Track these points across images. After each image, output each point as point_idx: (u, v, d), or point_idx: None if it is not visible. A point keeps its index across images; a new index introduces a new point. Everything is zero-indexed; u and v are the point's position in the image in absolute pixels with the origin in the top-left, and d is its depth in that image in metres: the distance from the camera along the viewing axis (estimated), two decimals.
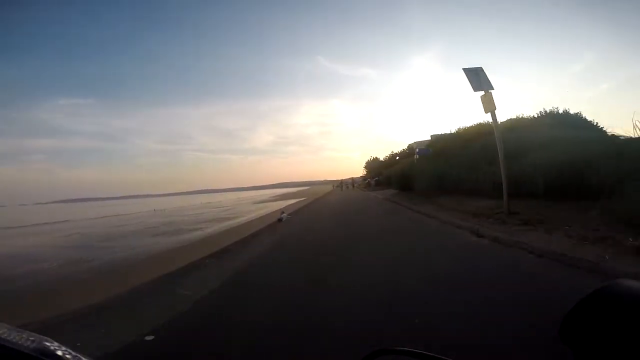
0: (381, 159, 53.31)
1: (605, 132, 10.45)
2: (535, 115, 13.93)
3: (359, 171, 57.47)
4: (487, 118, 10.38)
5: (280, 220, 13.32)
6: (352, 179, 58.04)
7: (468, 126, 19.10)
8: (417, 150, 20.33)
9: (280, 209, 19.25)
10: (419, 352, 0.58)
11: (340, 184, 51.88)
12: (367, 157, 59.51)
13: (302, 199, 35.12)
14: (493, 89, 7.35)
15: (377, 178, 39.41)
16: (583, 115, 12.04)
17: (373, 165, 51.25)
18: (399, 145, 55.24)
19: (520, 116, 15.09)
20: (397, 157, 42.78)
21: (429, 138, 50.47)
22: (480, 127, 16.37)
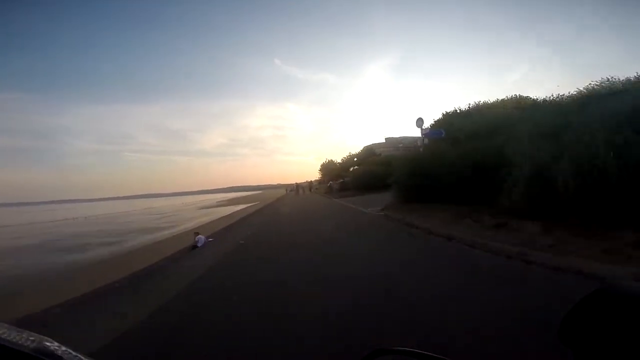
0: (338, 161, 50.65)
1: None
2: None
3: (314, 175, 54.53)
4: None
5: (195, 247, 8.79)
6: (310, 182, 50.32)
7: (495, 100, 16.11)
8: (423, 132, 12.51)
9: (209, 221, 15.86)
10: (419, 352, 0.58)
11: (296, 188, 42.07)
12: (319, 164, 56.82)
13: (250, 204, 31.84)
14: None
15: (342, 180, 32.75)
16: None
17: (329, 168, 49.30)
18: (353, 149, 53.82)
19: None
20: (355, 159, 41.25)
21: (384, 141, 50.75)
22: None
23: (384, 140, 45.43)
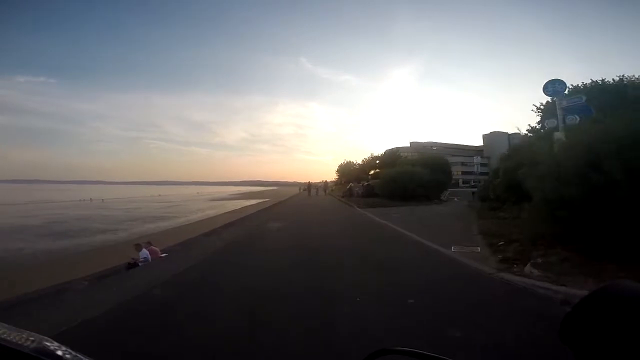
0: (357, 163, 46.75)
1: None
2: None
3: (330, 175, 52.00)
4: None
5: (132, 265, 6.40)
6: (325, 182, 43.12)
7: None
8: (563, 105, 7.78)
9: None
10: (420, 352, 0.58)
11: (308, 187, 35.42)
12: (337, 164, 54.08)
13: (263, 200, 30.24)
14: None
15: (367, 182, 25.56)
16: None
17: (347, 170, 46.92)
18: (372, 153, 51.46)
19: None
20: (377, 162, 38.21)
21: (409, 145, 48.31)
22: None
23: (408, 145, 43.10)
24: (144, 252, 6.75)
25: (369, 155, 42.42)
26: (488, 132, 48.88)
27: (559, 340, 0.45)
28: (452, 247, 5.82)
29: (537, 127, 13.97)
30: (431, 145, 44.37)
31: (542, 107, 13.64)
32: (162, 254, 7.08)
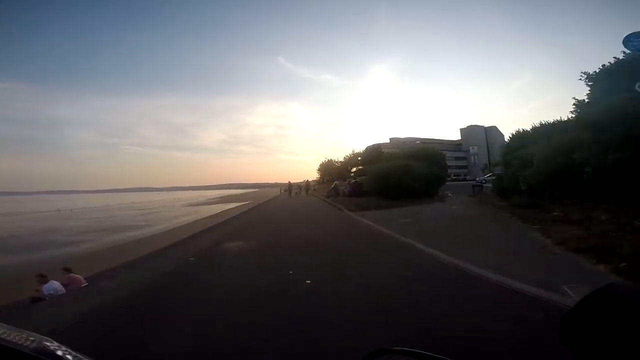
0: (339, 161, 46.26)
1: None
2: None
3: (312, 175, 51.22)
4: None
5: (37, 300, 5.13)
6: (307, 181, 40.31)
7: None
8: None
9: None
10: (419, 352, 0.57)
11: (289, 188, 33.67)
12: (318, 164, 53.24)
13: (242, 203, 29.21)
14: None
15: (354, 180, 23.41)
16: None
17: (328, 168, 46.36)
18: (354, 150, 51.47)
19: None
20: (359, 158, 37.78)
21: (388, 141, 48.26)
22: None
23: (388, 141, 43.04)
24: (51, 286, 5.32)
25: (351, 152, 42.00)
26: (465, 126, 49.91)
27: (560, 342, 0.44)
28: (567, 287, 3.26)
29: (586, 100, 10.58)
30: (410, 140, 44.58)
31: (594, 75, 10.20)
32: (84, 283, 5.71)
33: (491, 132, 46.33)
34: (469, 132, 48.03)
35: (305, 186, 36.39)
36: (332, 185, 24.63)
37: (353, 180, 22.56)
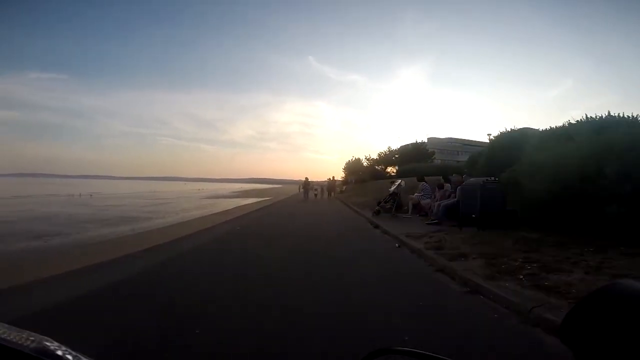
0: (370, 157, 40.47)
1: None
2: None
3: (336, 174, 47.80)
4: None
5: None
6: (332, 179, 29.12)
7: None
8: None
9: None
10: (419, 352, 0.57)
11: (304, 186, 24.95)
12: (344, 162, 49.24)
13: (261, 199, 26.67)
14: None
15: (490, 179, 7.31)
16: None
17: (355, 167, 42.87)
18: (371, 153, 48.56)
19: None
20: (396, 156, 33.11)
21: (426, 140, 43.93)
22: None
23: (425, 140, 39.02)
24: None
25: (387, 148, 37.08)
26: (516, 128, 44.18)
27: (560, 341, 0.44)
28: None
29: None
30: (451, 141, 40.30)
31: None
32: None
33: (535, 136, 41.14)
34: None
35: (328, 186, 27.34)
36: (392, 189, 11.67)
37: (486, 181, 7.31)
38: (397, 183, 12.13)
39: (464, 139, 45.78)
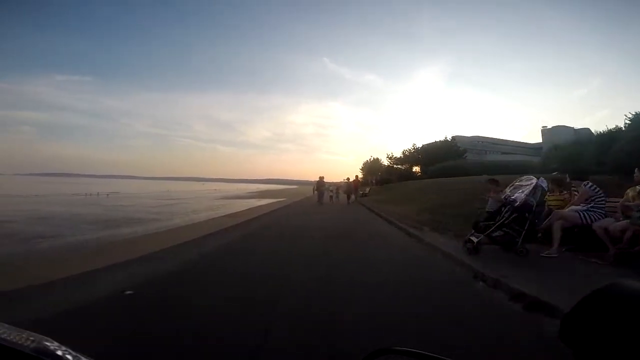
0: (392, 156, 36.78)
1: None
2: None
3: (351, 175, 46.38)
4: None
5: None
6: (356, 179, 23.29)
7: None
8: None
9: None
10: (419, 352, 0.56)
11: (318, 187, 20.61)
12: (361, 163, 47.30)
13: (275, 200, 25.33)
14: None
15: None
16: None
17: (374, 168, 40.95)
18: (396, 152, 46.95)
19: None
20: (419, 156, 30.43)
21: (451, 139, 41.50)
22: None
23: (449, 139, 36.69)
24: None
25: (411, 146, 34.04)
26: (549, 127, 41.35)
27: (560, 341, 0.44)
28: None
29: None
30: (478, 140, 37.83)
31: None
32: None
33: (583, 135, 37.98)
34: (554, 133, 39.53)
35: (347, 187, 21.68)
36: (517, 196, 5.30)
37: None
38: (530, 183, 5.33)
39: (491, 137, 43.32)
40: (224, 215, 15.40)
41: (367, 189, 27.07)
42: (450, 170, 22.08)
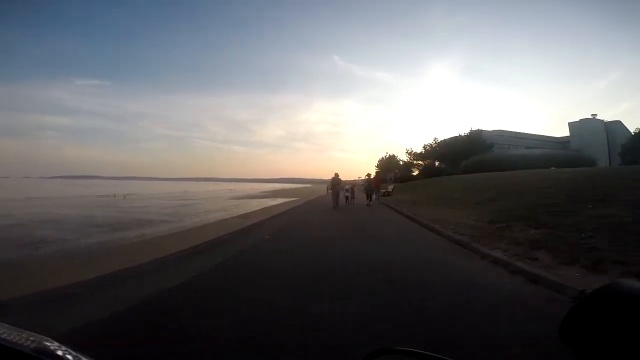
0: (412, 151, 34.68)
1: None
2: None
3: (362, 173, 45.19)
4: None
5: None
6: (374, 177, 21.21)
7: None
8: None
9: None
10: (420, 352, 0.56)
11: (333, 185, 16.62)
12: (375, 161, 46.16)
13: (287, 199, 24.63)
14: None
15: None
16: None
17: (390, 165, 39.66)
18: (403, 151, 45.51)
19: None
20: (438, 148, 28.66)
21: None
22: None
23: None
24: None
25: (433, 140, 31.82)
26: (577, 120, 38.88)
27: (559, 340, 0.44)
28: None
29: None
30: (499, 134, 36.06)
31: None
32: None
33: (613, 128, 35.63)
34: (582, 126, 37.13)
35: (367, 186, 18.63)
36: None
37: None
38: None
39: (514, 131, 41.20)
40: (233, 217, 14.80)
41: (391, 187, 24.03)
42: (487, 165, 20.15)
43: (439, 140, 29.97)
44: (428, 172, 24.85)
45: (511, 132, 40.55)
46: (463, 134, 28.41)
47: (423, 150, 31.92)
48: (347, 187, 18.69)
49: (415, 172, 30.98)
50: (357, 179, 22.29)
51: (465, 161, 22.19)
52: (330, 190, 17.26)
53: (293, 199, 28.97)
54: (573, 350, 0.42)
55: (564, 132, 40.54)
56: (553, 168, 12.74)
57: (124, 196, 37.47)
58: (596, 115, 37.83)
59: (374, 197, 17.73)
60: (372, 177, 19.41)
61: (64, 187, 62.38)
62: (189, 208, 21.51)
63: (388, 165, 40.07)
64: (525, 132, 43.16)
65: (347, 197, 18.07)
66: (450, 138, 29.42)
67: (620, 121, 35.85)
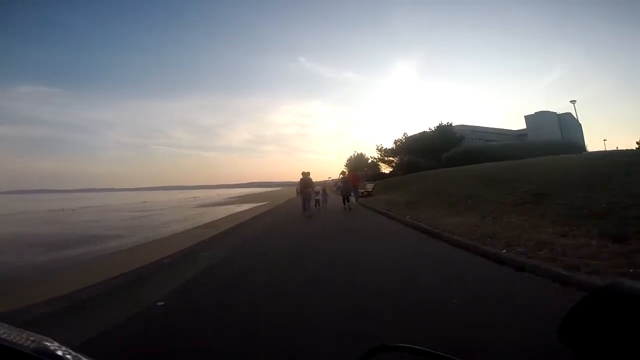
0: (382, 148, 34.75)
1: None
2: None
3: (336, 173, 44.55)
4: None
5: None
6: (349, 174, 18.89)
7: None
8: None
9: None
10: (419, 348, 0.56)
11: (303, 188, 13.38)
12: (344, 161, 46.00)
13: (257, 204, 23.49)
14: None
15: None
16: None
17: (359, 164, 39.55)
18: (371, 150, 45.93)
19: None
20: (406, 145, 28.95)
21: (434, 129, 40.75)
22: None
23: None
24: None
25: (402, 135, 31.41)
26: (532, 113, 41.47)
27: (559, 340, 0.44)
28: None
29: None
30: (462, 129, 37.17)
31: None
32: None
33: (565, 120, 38.23)
34: (537, 119, 39.66)
35: (343, 187, 15.94)
36: None
37: None
38: None
39: (474, 125, 43.04)
40: (205, 225, 13.48)
41: (370, 186, 21.42)
42: (473, 156, 19.58)
43: (408, 136, 30.24)
44: (406, 168, 23.34)
45: (473, 126, 42.51)
46: (431, 129, 28.93)
47: (394, 146, 31.72)
48: (318, 189, 15.68)
49: (387, 170, 30.99)
50: (327, 179, 21.07)
51: (446, 154, 21.36)
52: (298, 194, 15.01)
53: (262, 203, 27.89)
54: (573, 350, 0.41)
55: (517, 125, 42.83)
56: (558, 155, 11.80)
57: (73, 210, 34.80)
58: (548, 109, 40.61)
59: (352, 199, 15.09)
60: (347, 175, 17.25)
61: (10, 203, 57.70)
62: (144, 220, 19.75)
63: (357, 163, 39.94)
64: (484, 125, 45.41)
65: (317, 201, 15.00)
66: (419, 133, 29.79)
67: (570, 113, 38.55)
